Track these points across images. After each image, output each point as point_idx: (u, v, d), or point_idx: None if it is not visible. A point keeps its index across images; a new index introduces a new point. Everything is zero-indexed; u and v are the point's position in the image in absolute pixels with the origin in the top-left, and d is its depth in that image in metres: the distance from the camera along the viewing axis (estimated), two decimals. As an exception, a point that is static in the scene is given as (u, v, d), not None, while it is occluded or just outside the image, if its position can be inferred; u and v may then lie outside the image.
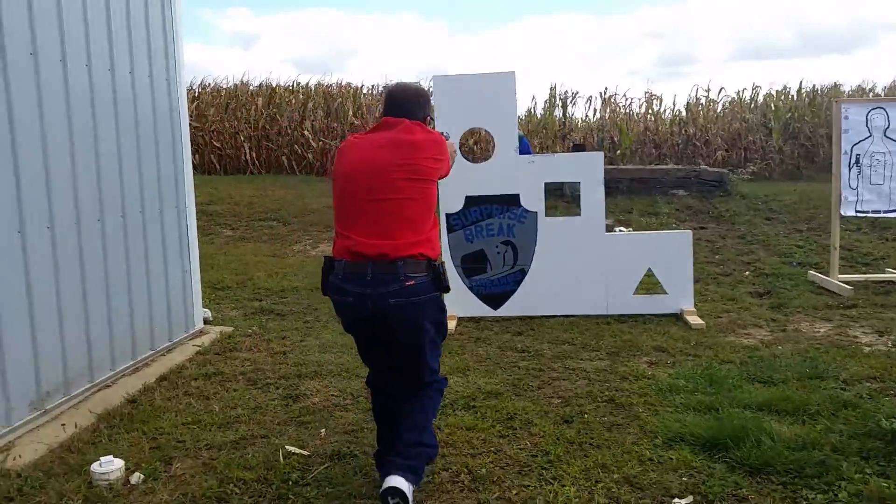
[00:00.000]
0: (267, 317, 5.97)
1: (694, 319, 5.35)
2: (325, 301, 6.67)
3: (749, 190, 13.10)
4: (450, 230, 5.66)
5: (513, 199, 5.61)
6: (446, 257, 5.66)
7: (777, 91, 16.97)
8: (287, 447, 3.32)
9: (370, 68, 27.91)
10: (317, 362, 4.63)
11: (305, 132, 16.36)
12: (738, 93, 17.76)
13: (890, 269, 6.99)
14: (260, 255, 8.71)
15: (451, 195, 5.59)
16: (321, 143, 16.25)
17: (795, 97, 16.84)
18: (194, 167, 20.13)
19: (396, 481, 2.59)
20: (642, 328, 5.27)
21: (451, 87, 5.55)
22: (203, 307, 5.77)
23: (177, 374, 4.45)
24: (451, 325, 5.51)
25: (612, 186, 10.24)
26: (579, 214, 5.66)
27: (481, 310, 5.67)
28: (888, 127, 6.29)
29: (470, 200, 5.63)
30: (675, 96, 26.96)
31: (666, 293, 5.62)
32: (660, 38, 40.32)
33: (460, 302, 5.62)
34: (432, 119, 3.14)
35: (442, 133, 3.04)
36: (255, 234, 10.14)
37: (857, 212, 6.50)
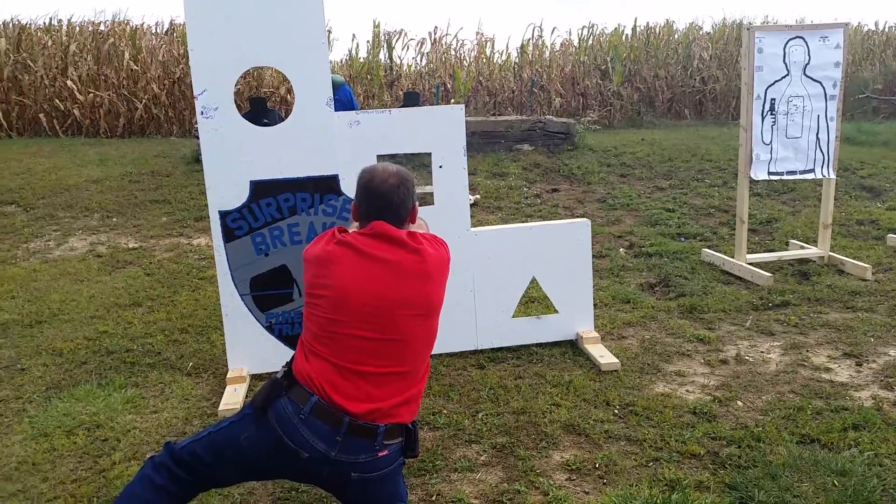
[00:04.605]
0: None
1: (600, 353, 3.68)
2: (38, 354, 4.12)
3: (595, 141, 11.90)
4: (228, 238, 3.52)
5: (328, 184, 3.56)
6: (225, 279, 3.54)
7: (613, 30, 15.90)
8: None
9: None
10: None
11: (70, 82, 12.94)
12: (567, 32, 16.57)
13: (794, 240, 5.80)
14: (-30, 262, 5.97)
15: (227, 180, 3.45)
16: (91, 94, 12.95)
17: (630, 36, 15.88)
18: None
19: None
20: (533, 375, 3.51)
21: None
22: None
23: None
24: (241, 391, 3.46)
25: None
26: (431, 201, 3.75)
27: (284, 359, 3.61)
28: (808, 63, 4.90)
29: (259, 188, 3.49)
30: (508, 38, 25.10)
31: (557, 311, 3.91)
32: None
33: (252, 350, 3.59)
34: (416, 205, 2.26)
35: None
36: (-24, 226, 7.22)
37: (769, 174, 5.07)
